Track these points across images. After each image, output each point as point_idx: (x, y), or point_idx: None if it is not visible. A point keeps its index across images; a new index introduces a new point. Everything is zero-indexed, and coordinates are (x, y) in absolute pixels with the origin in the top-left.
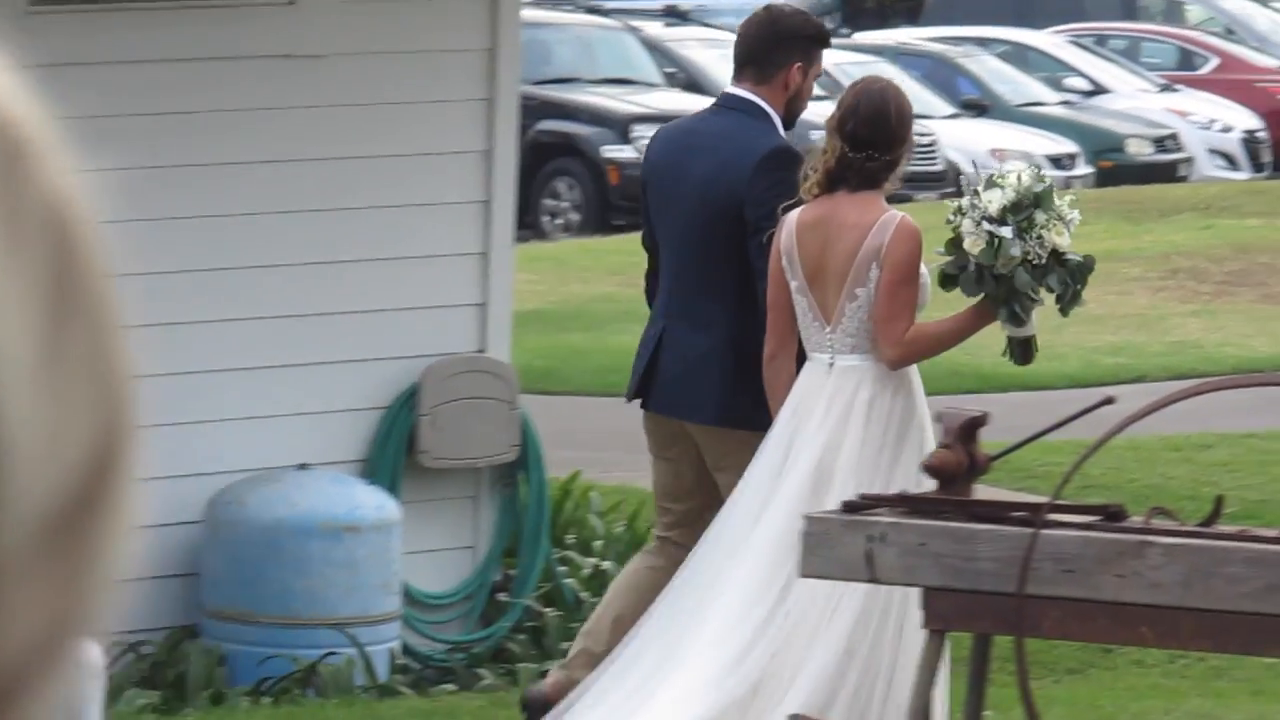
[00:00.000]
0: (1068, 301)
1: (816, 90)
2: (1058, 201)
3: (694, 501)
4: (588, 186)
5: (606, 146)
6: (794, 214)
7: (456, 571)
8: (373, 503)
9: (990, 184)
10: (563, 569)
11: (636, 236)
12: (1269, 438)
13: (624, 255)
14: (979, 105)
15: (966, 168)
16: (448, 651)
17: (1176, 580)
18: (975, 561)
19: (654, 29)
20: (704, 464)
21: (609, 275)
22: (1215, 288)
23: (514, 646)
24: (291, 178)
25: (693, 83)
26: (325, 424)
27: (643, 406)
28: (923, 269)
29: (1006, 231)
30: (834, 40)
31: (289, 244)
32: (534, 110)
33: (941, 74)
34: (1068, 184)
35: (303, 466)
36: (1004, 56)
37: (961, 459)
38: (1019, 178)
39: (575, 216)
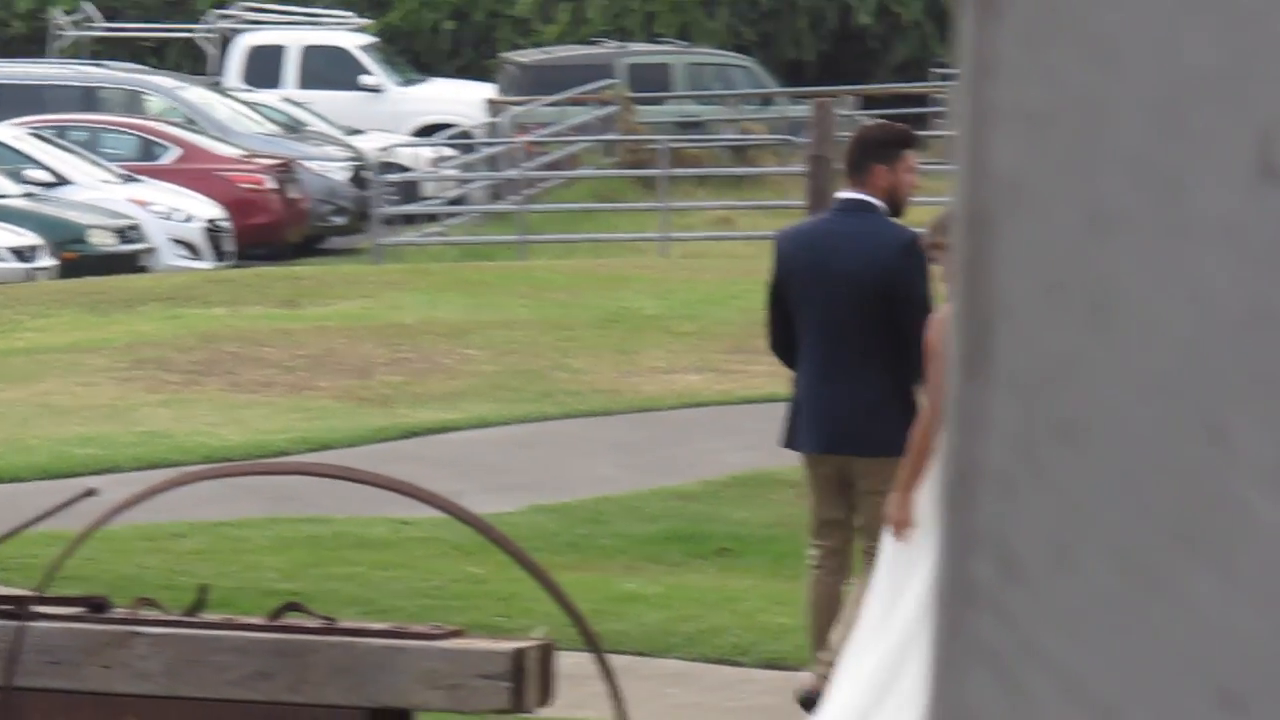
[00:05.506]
0: None
1: None
2: None
3: (848, 516)
4: None
5: None
6: (946, 309)
7: None
8: None
9: None
10: None
11: None
12: (241, 525)
13: None
14: None
15: None
16: None
17: (163, 669)
18: None
19: None
20: (853, 489)
21: None
22: (183, 377)
23: None
24: None
25: None
26: None
27: (813, 450)
28: None
29: None
30: None
31: None
32: None
33: None
34: (31, 276)
35: None
36: None
37: None
38: None
39: None
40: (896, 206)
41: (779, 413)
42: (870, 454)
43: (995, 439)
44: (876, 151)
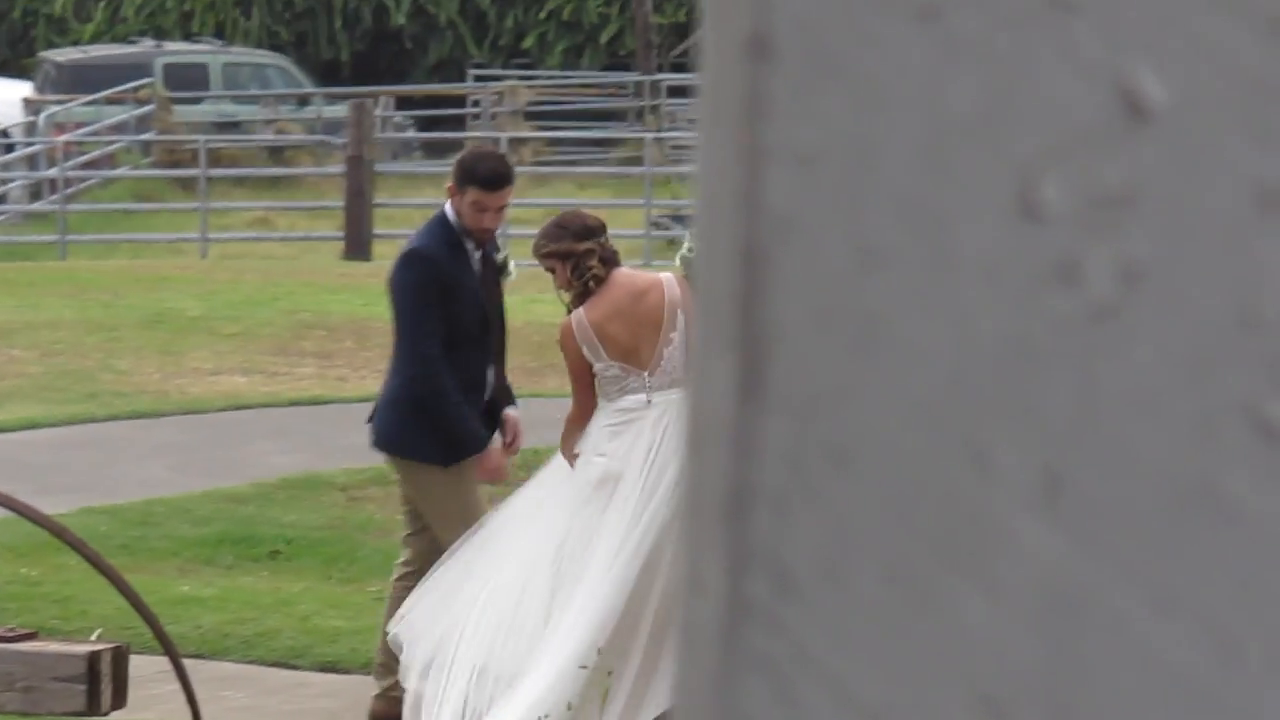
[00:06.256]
0: None
1: None
2: None
3: (420, 529)
4: None
5: None
6: (580, 315)
7: None
8: None
9: None
10: None
11: None
12: None
13: None
14: None
15: None
16: None
17: None
18: None
19: None
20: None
21: None
22: None
23: None
24: None
25: None
26: None
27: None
28: None
29: None
30: None
31: None
32: None
33: None
34: None
35: None
36: None
37: None
38: None
39: None
40: (467, 231)
41: (326, 415)
42: (385, 451)
43: (769, 461)
44: (456, 170)
